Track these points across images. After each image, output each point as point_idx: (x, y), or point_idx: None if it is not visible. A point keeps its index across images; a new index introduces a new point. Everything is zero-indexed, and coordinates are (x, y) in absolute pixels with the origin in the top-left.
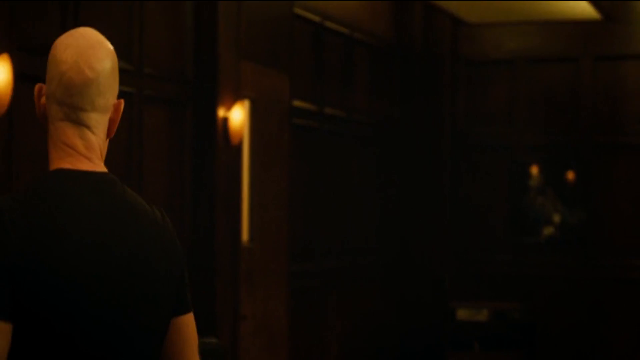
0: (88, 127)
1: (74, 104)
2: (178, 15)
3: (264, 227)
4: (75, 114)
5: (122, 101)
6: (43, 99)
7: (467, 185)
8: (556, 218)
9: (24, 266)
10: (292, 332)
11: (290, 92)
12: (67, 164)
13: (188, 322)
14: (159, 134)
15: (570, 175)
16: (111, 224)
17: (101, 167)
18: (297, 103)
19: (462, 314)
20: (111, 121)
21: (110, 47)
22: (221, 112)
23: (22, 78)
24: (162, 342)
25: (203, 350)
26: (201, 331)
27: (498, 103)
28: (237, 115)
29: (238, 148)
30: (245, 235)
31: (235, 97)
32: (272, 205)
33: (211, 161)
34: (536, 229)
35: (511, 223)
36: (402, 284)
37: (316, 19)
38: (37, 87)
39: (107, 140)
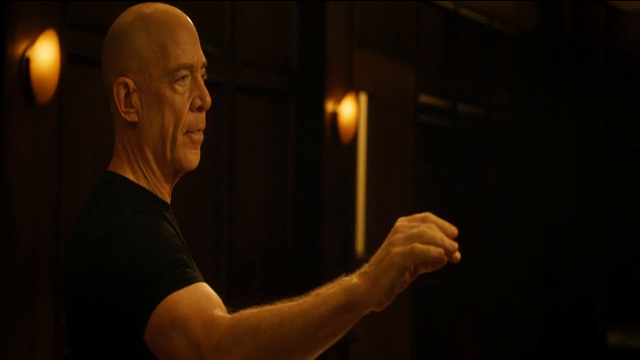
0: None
1: None
2: None
3: (383, 237)
4: None
5: (121, 79)
6: None
7: (624, 192)
8: None
9: None
10: (416, 356)
11: (417, 86)
12: None
13: (156, 321)
14: (255, 130)
15: None
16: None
17: (111, 166)
18: (424, 98)
19: (614, 338)
20: (114, 106)
21: (120, 21)
22: (330, 106)
23: (75, 59)
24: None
25: None
26: None
27: None
28: (349, 110)
29: (350, 147)
30: (360, 246)
31: (347, 89)
32: (393, 213)
33: (317, 161)
34: None
35: None
36: (544, 304)
37: (448, 5)
38: None
39: (133, 129)
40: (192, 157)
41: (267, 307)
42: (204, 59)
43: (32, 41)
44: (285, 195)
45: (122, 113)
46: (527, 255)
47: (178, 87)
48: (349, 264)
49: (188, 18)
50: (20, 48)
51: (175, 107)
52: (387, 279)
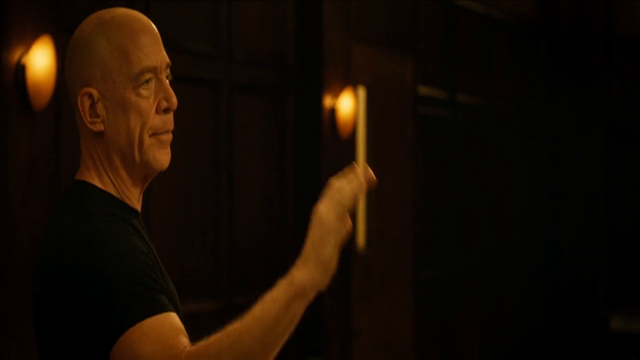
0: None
1: None
2: None
3: (384, 231)
4: None
5: (85, 90)
6: None
7: (624, 178)
8: None
9: None
10: (419, 348)
11: (415, 78)
12: None
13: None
14: (253, 128)
15: None
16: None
17: (78, 175)
18: (423, 90)
19: (617, 323)
20: (79, 116)
21: (80, 30)
22: (328, 101)
23: None
24: None
25: None
26: (307, 350)
27: None
28: (347, 105)
29: (349, 142)
30: (361, 240)
31: (344, 84)
32: (394, 206)
33: (317, 157)
34: None
35: None
36: (547, 290)
37: None
38: None
39: (105, 139)
40: (162, 157)
41: (223, 331)
42: (167, 60)
43: (28, 47)
44: (285, 192)
45: (87, 124)
46: (528, 242)
47: (143, 91)
48: (350, 259)
49: (149, 20)
50: (15, 55)
51: (141, 112)
52: (329, 248)
